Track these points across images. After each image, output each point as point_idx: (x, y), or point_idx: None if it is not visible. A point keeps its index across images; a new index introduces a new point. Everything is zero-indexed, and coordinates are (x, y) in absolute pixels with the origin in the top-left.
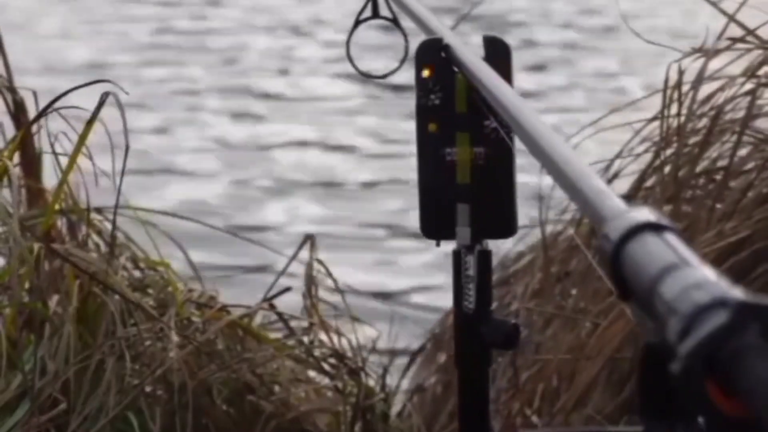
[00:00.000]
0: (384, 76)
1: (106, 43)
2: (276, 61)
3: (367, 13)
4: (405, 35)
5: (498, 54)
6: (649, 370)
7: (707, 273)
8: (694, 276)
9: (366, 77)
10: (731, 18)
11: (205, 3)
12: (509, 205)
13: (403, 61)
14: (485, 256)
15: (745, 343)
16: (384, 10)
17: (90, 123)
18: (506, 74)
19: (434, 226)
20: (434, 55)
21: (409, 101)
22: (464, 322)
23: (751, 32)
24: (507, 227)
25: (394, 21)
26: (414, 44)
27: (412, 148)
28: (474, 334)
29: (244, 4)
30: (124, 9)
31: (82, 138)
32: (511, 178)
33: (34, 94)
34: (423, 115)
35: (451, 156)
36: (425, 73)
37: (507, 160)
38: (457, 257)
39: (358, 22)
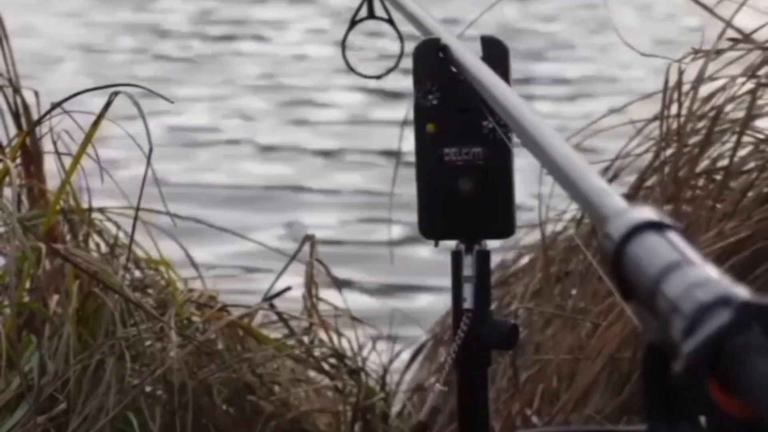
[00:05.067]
0: (380, 76)
1: None
2: None
3: (363, 13)
4: (400, 36)
5: (496, 54)
6: (651, 369)
7: (710, 271)
8: (698, 274)
9: (362, 77)
10: (728, 24)
11: None
12: (508, 206)
13: (398, 62)
14: (484, 257)
15: (748, 342)
16: (380, 11)
17: (96, 123)
18: (504, 74)
19: (433, 226)
20: (432, 56)
21: None
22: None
23: (747, 36)
24: (506, 227)
25: (390, 21)
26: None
27: None
28: (474, 334)
29: None
30: None
31: (88, 138)
32: (509, 178)
33: (36, 94)
34: (421, 115)
35: (449, 156)
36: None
37: (505, 160)
38: (456, 257)
39: (353, 23)
